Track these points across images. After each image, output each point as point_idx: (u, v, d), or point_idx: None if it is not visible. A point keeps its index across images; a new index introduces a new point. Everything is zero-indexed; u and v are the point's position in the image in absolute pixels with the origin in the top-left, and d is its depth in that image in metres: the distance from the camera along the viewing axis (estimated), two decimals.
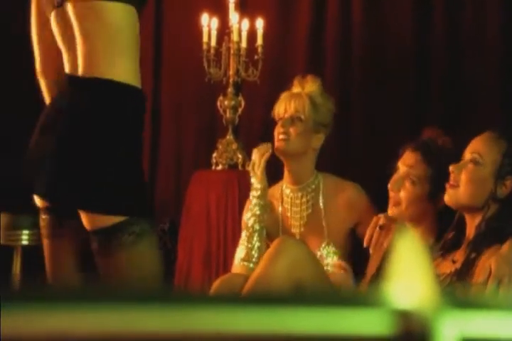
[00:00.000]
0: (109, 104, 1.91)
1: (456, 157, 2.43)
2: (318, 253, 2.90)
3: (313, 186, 3.02)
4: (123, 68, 1.89)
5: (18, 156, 3.88)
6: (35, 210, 3.65)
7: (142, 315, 0.64)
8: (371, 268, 2.72)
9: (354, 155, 3.64)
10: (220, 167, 3.58)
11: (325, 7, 3.75)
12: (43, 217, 2.08)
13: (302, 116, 2.96)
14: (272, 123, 3.06)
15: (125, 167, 1.91)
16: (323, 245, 2.94)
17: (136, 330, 0.64)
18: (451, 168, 2.39)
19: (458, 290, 2.24)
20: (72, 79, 1.95)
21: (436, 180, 2.59)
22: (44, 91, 2.19)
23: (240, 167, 3.57)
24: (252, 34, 3.56)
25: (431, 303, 0.66)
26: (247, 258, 2.86)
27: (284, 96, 3.01)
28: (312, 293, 0.71)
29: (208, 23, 3.59)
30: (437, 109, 3.57)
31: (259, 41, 3.54)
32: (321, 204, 3.00)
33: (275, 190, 3.05)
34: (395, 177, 2.70)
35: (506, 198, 2.33)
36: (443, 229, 2.56)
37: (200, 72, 3.60)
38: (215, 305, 0.66)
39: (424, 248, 0.68)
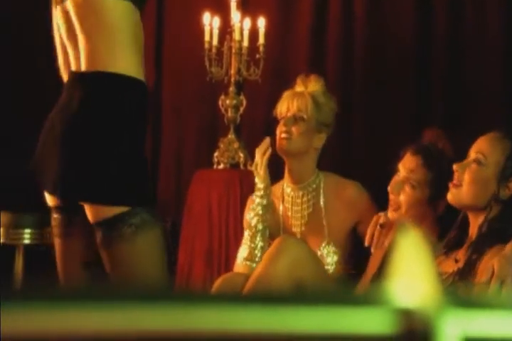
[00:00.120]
0: (111, 96, 1.92)
1: (458, 160, 2.43)
2: (319, 253, 2.90)
3: (314, 185, 3.02)
4: (124, 62, 1.90)
5: (18, 156, 3.89)
6: (36, 209, 3.66)
7: (143, 313, 0.64)
8: (372, 267, 2.72)
9: (355, 156, 3.64)
10: (221, 166, 3.58)
11: (327, 6, 3.75)
12: (55, 216, 2.08)
13: (305, 116, 2.96)
14: (273, 122, 3.06)
15: (126, 158, 1.91)
16: (323, 244, 2.94)
17: (137, 329, 0.64)
18: (454, 166, 2.39)
19: (460, 289, 2.23)
20: (76, 75, 1.97)
21: (436, 185, 2.59)
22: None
23: (241, 166, 3.57)
24: (253, 33, 3.56)
25: (433, 302, 0.66)
26: (250, 257, 2.86)
27: (286, 94, 3.01)
28: (313, 291, 0.71)
29: (210, 22, 3.59)
30: (438, 109, 3.57)
31: (261, 40, 3.54)
32: (321, 203, 3.00)
33: (276, 189, 3.05)
34: (395, 179, 2.69)
35: (509, 200, 2.32)
36: (444, 228, 2.56)
37: (202, 71, 3.60)
38: (216, 303, 0.66)
39: (426, 246, 0.68)
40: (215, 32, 3.58)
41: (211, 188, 3.45)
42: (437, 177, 2.60)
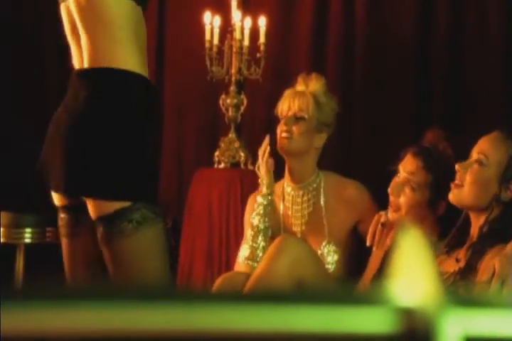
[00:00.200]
0: (114, 91, 1.93)
1: (458, 162, 2.43)
2: (319, 252, 2.90)
3: (315, 185, 3.02)
4: (127, 58, 1.92)
5: (18, 156, 3.90)
6: (37, 209, 3.66)
7: (144, 312, 0.64)
8: (372, 266, 2.72)
9: (355, 156, 3.64)
10: (222, 165, 3.58)
11: (327, 5, 3.75)
12: (62, 216, 2.08)
13: (305, 115, 2.96)
14: (274, 122, 3.06)
15: (129, 153, 1.92)
16: (323, 243, 2.94)
17: (138, 328, 0.64)
18: (457, 166, 2.39)
19: (461, 289, 2.24)
20: (79, 72, 1.99)
21: (436, 187, 2.60)
22: None
23: (242, 165, 3.57)
24: (254, 32, 3.56)
25: (434, 301, 0.66)
26: (252, 257, 2.86)
27: (287, 93, 3.01)
28: (314, 291, 0.71)
29: (211, 21, 3.59)
30: (438, 109, 3.57)
31: (262, 39, 3.54)
32: (322, 202, 3.00)
33: (276, 188, 3.05)
34: (395, 181, 2.70)
35: (510, 201, 2.32)
36: (445, 228, 2.56)
37: (203, 70, 3.60)
38: (217, 302, 0.66)
39: (427, 245, 0.67)
40: (216, 31, 3.58)
41: (212, 187, 3.45)
42: (437, 180, 2.60)
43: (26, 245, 3.62)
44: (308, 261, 2.65)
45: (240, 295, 0.70)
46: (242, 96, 3.62)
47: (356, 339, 0.67)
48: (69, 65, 2.12)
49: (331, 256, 2.93)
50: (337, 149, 3.56)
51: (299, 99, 2.96)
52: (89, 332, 0.63)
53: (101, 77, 1.94)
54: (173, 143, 4.09)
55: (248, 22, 3.56)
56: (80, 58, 1.99)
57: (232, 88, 3.60)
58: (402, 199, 2.67)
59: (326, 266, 2.88)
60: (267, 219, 2.89)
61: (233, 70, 3.58)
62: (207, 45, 3.57)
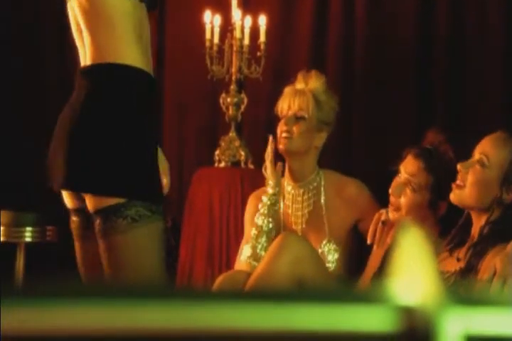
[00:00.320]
0: (111, 86, 1.95)
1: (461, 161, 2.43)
2: (320, 250, 2.90)
3: (315, 183, 3.02)
4: (128, 55, 1.93)
5: (18, 156, 3.89)
6: (37, 207, 3.65)
7: (144, 311, 0.64)
8: (372, 265, 2.72)
9: (355, 156, 3.63)
10: (222, 164, 3.58)
11: (328, 4, 3.75)
12: (73, 218, 2.08)
13: (306, 115, 2.95)
14: (274, 121, 3.06)
15: (127, 149, 1.92)
16: (324, 242, 2.94)
17: (138, 326, 0.64)
18: (458, 166, 2.39)
19: (462, 288, 2.23)
20: (82, 70, 2.00)
21: (437, 189, 2.60)
22: None
23: (242, 164, 3.57)
24: (254, 31, 3.56)
25: (435, 300, 0.66)
26: (254, 256, 2.85)
27: (287, 92, 3.00)
28: (315, 289, 0.71)
29: (211, 20, 3.59)
30: (438, 109, 3.57)
31: (262, 38, 3.54)
32: (322, 201, 3.00)
33: None
34: (397, 181, 2.70)
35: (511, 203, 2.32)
36: (445, 228, 2.56)
37: (203, 70, 3.60)
38: (218, 301, 0.66)
39: (428, 244, 0.67)
40: (216, 30, 3.57)
41: (212, 186, 3.45)
42: (438, 181, 2.60)
43: (26, 244, 3.62)
44: (310, 259, 2.65)
45: (241, 294, 0.70)
46: (243, 95, 3.62)
47: (357, 338, 0.67)
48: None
49: (331, 255, 2.93)
50: (337, 149, 3.56)
51: (299, 98, 2.96)
52: (89, 331, 0.63)
53: (101, 72, 1.95)
54: (173, 141, 4.09)
55: (248, 21, 3.56)
56: (84, 56, 2.00)
57: (233, 87, 3.60)
58: (402, 200, 2.67)
59: (327, 265, 2.88)
60: (271, 220, 2.89)
61: (233, 69, 3.58)
62: (207, 44, 3.57)
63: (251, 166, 3.55)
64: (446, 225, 2.58)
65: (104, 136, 1.92)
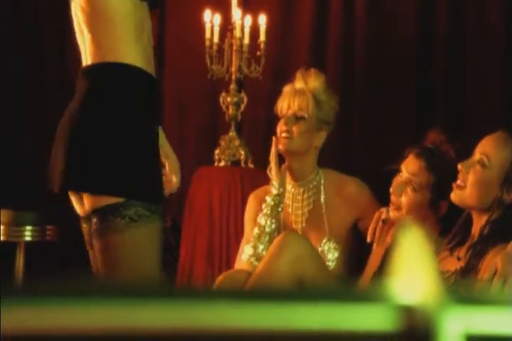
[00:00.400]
0: (109, 85, 1.96)
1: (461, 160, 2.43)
2: (320, 249, 2.91)
3: (315, 182, 3.02)
4: (126, 54, 1.94)
5: (18, 156, 3.89)
6: (37, 206, 3.65)
7: (144, 310, 0.64)
8: (372, 264, 2.72)
9: (355, 156, 3.63)
10: (222, 163, 3.58)
11: (328, 3, 3.75)
12: (84, 225, 2.08)
13: (305, 115, 2.95)
14: (274, 120, 3.06)
15: (126, 148, 1.92)
16: (324, 241, 2.94)
17: (138, 326, 0.64)
18: (459, 166, 2.39)
19: (462, 287, 2.24)
20: (82, 69, 2.01)
21: (438, 188, 2.60)
22: None
23: (242, 163, 3.57)
24: (254, 30, 3.56)
25: (435, 299, 0.66)
26: (256, 256, 2.85)
27: (287, 91, 3.00)
28: (315, 288, 0.71)
29: (211, 19, 3.58)
30: (438, 109, 3.57)
31: (262, 37, 3.54)
32: (322, 200, 3.00)
33: None
34: (397, 180, 2.70)
35: None
36: (446, 227, 2.56)
37: (203, 69, 3.60)
38: (218, 300, 0.66)
39: (428, 243, 0.67)
40: (216, 29, 3.57)
41: (212, 186, 3.45)
42: (439, 181, 2.60)
43: (26, 243, 3.62)
44: (310, 258, 2.65)
45: (241, 293, 0.70)
46: (243, 94, 3.62)
47: (357, 337, 0.67)
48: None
49: (331, 253, 2.93)
50: (337, 149, 3.56)
51: (299, 97, 2.95)
52: (89, 330, 0.63)
53: (100, 72, 1.96)
54: (173, 141, 4.08)
55: (248, 20, 3.56)
56: (85, 56, 2.01)
57: (233, 86, 3.60)
58: (403, 199, 2.67)
59: (327, 264, 2.88)
60: (273, 221, 2.89)
61: (233, 68, 3.58)
62: (207, 43, 3.57)
63: (251, 165, 3.55)
64: (446, 224, 2.58)
65: (103, 134, 1.92)
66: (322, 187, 3.01)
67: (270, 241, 2.85)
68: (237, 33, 3.54)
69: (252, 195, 3.09)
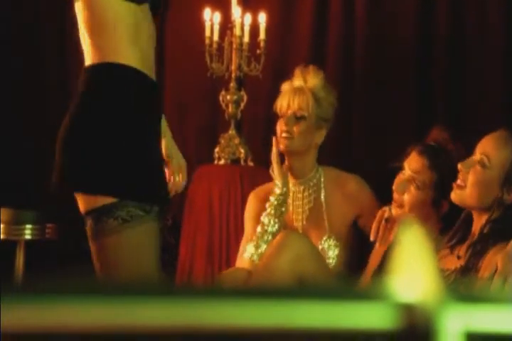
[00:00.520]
0: (103, 85, 1.97)
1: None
2: (320, 247, 2.91)
3: (315, 180, 3.02)
4: (124, 55, 1.96)
5: (18, 156, 3.88)
6: (37, 205, 3.65)
7: (144, 308, 0.64)
8: (373, 261, 2.72)
9: (355, 156, 3.63)
10: (222, 162, 3.58)
11: (328, 3, 3.75)
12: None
13: (305, 114, 2.95)
14: (274, 118, 3.06)
15: (118, 148, 1.92)
16: (324, 238, 2.94)
17: (138, 324, 0.64)
18: (459, 166, 2.39)
19: (462, 285, 2.23)
20: (83, 70, 2.03)
21: (440, 187, 2.59)
22: None
23: (242, 162, 3.57)
24: (254, 28, 3.56)
25: (435, 297, 0.66)
26: (258, 255, 2.85)
27: (286, 90, 2.99)
28: (315, 286, 0.71)
29: (211, 17, 3.58)
30: (438, 108, 3.57)
31: (262, 35, 3.53)
32: (322, 197, 3.00)
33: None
34: (400, 178, 2.69)
35: None
36: (447, 226, 2.56)
37: (203, 67, 3.60)
38: (218, 298, 0.66)
39: (428, 241, 0.67)
40: (216, 27, 3.57)
41: (212, 184, 3.45)
42: (442, 179, 2.59)
43: (26, 241, 3.62)
44: (311, 257, 2.65)
45: (241, 291, 0.70)
46: (242, 92, 3.62)
47: (357, 335, 0.67)
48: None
49: (331, 251, 2.93)
50: (337, 149, 3.56)
51: (299, 97, 2.95)
52: (89, 328, 0.63)
53: (94, 72, 1.98)
54: (173, 139, 4.09)
55: (248, 18, 3.56)
56: (85, 56, 2.03)
57: (232, 84, 3.60)
58: (406, 197, 2.66)
59: (327, 261, 2.89)
60: (276, 220, 2.89)
61: (233, 67, 3.58)
62: (207, 41, 3.57)
63: (251, 164, 3.55)
64: (447, 223, 2.58)
65: (95, 134, 1.93)
66: (322, 185, 3.02)
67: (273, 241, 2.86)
68: (237, 31, 3.54)
69: (252, 193, 3.09)
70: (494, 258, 2.16)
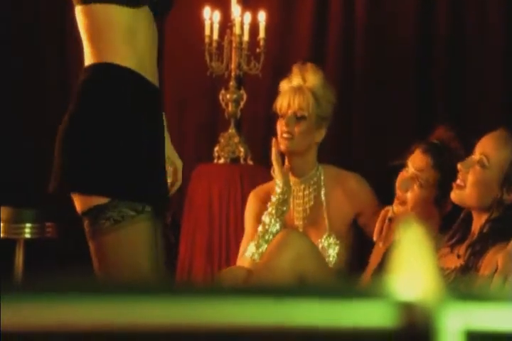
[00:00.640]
0: (93, 85, 1.98)
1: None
2: (320, 245, 2.91)
3: (315, 178, 3.02)
4: (120, 56, 1.97)
5: (18, 156, 3.88)
6: (37, 204, 3.65)
7: (144, 306, 0.64)
8: (374, 260, 2.72)
9: (355, 156, 3.63)
10: (221, 160, 3.58)
11: (328, 3, 3.74)
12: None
13: (306, 114, 2.95)
14: (274, 117, 3.06)
15: (109, 148, 1.93)
16: (324, 236, 2.95)
17: (138, 322, 0.64)
18: (459, 165, 2.39)
19: (462, 284, 2.24)
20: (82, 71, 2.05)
21: (444, 185, 2.59)
22: None
23: (241, 160, 3.57)
24: (254, 27, 3.55)
25: (435, 295, 0.66)
26: (259, 254, 2.85)
27: (286, 89, 2.99)
28: (315, 285, 0.71)
29: (210, 16, 3.58)
30: (438, 108, 3.57)
31: (262, 34, 3.53)
32: (322, 196, 3.01)
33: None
34: (403, 175, 2.69)
35: None
36: (448, 225, 2.56)
37: (202, 66, 3.60)
38: (218, 296, 0.66)
39: (429, 240, 0.67)
40: (216, 26, 3.57)
41: (211, 183, 3.45)
42: (446, 178, 2.59)
43: (26, 240, 3.62)
44: (311, 255, 2.65)
45: (241, 289, 0.69)
46: (242, 91, 3.61)
47: (357, 333, 0.67)
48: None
49: (332, 249, 2.93)
50: (337, 149, 3.56)
51: (299, 97, 2.94)
52: (88, 326, 0.63)
53: (91, 72, 2.00)
54: (172, 138, 4.08)
55: (248, 17, 3.56)
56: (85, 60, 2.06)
57: (232, 83, 3.60)
58: (409, 195, 2.66)
59: (328, 259, 2.89)
60: (278, 220, 2.89)
61: (233, 65, 3.58)
62: (206, 40, 3.56)
63: (250, 162, 3.55)
64: (448, 221, 2.58)
65: (89, 134, 1.94)
66: (322, 183, 3.02)
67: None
68: (237, 30, 3.54)
69: (252, 193, 3.09)
70: (494, 258, 2.16)
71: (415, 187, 2.65)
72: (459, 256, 2.35)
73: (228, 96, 3.60)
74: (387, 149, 3.34)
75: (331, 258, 2.91)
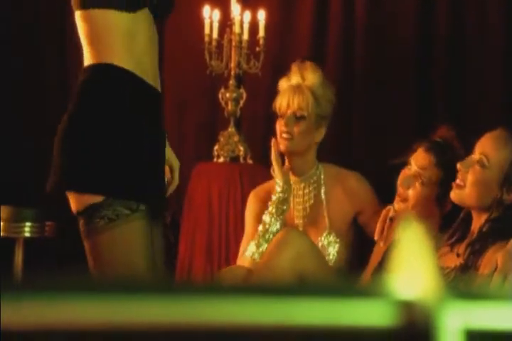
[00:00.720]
0: (89, 85, 2.00)
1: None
2: (320, 244, 2.91)
3: (315, 177, 3.02)
4: (118, 57, 1.98)
5: (18, 156, 3.88)
6: (37, 203, 3.65)
7: (144, 305, 0.64)
8: (374, 259, 2.72)
9: (355, 156, 3.63)
10: (221, 159, 3.58)
11: (328, 3, 3.74)
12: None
13: (305, 113, 2.95)
14: (273, 116, 3.06)
15: (105, 148, 1.93)
16: (324, 235, 2.95)
17: (137, 321, 0.64)
18: (458, 165, 2.39)
19: (462, 283, 2.24)
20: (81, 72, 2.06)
21: (446, 184, 2.59)
22: None
23: (241, 159, 3.56)
24: (253, 26, 3.55)
25: (434, 294, 0.66)
26: (259, 253, 2.85)
27: (285, 89, 2.99)
28: (315, 284, 0.71)
29: (210, 14, 3.58)
30: (438, 108, 3.57)
31: (261, 33, 3.53)
32: (322, 194, 3.01)
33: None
34: (406, 173, 2.69)
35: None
36: (449, 224, 2.56)
37: (202, 65, 3.59)
38: (218, 295, 0.66)
39: (429, 239, 0.67)
40: (215, 25, 3.57)
41: (211, 181, 3.45)
42: (448, 177, 2.59)
43: (25, 239, 3.62)
44: (311, 254, 2.65)
45: (241, 288, 0.70)
46: (242, 90, 3.61)
47: (356, 332, 0.67)
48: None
49: (332, 247, 2.93)
50: (337, 149, 3.56)
51: (298, 96, 2.94)
52: (88, 325, 0.63)
53: (89, 72, 2.02)
54: (172, 137, 4.08)
55: (247, 16, 3.55)
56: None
57: (232, 82, 3.59)
58: (411, 192, 2.66)
59: (328, 257, 2.89)
60: (278, 219, 2.89)
61: (232, 64, 3.58)
62: (206, 39, 3.56)
63: (250, 161, 3.55)
64: (448, 220, 2.58)
65: (85, 134, 1.95)
66: (322, 182, 3.02)
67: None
68: (237, 28, 3.53)
69: (252, 193, 3.09)
70: (494, 257, 2.16)
71: (417, 184, 2.65)
72: (458, 255, 2.35)
73: (228, 95, 3.60)
74: (387, 149, 3.34)
75: (331, 257, 2.91)
